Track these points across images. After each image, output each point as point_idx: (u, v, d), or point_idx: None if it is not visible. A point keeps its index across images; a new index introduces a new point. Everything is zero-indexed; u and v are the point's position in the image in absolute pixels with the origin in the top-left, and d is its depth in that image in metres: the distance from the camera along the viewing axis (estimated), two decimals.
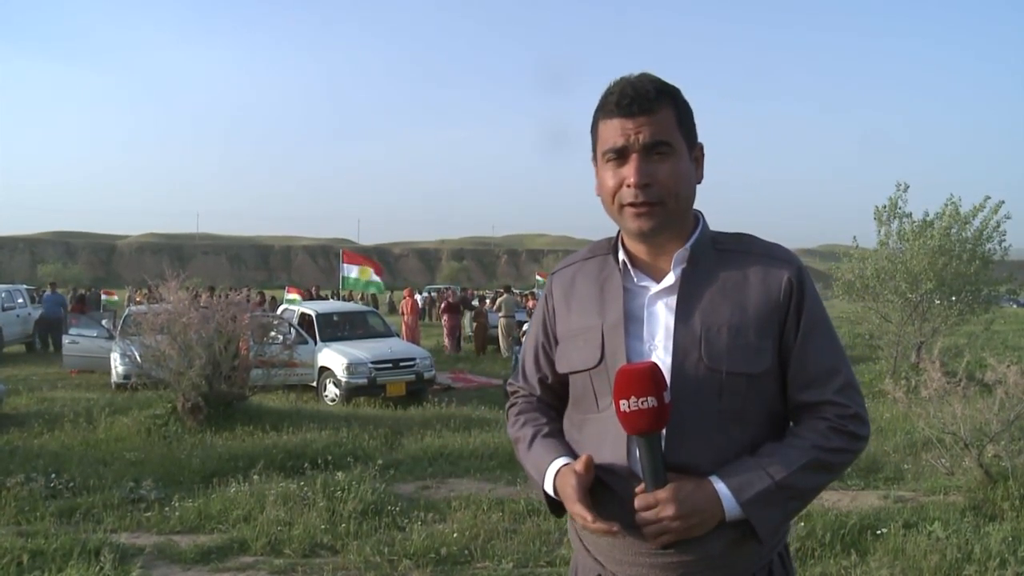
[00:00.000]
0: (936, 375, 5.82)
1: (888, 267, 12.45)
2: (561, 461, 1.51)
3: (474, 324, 19.13)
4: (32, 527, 4.92)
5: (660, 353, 1.44)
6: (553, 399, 1.67)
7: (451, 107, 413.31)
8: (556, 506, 1.55)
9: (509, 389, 1.78)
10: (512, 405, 1.73)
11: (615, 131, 1.44)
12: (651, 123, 1.42)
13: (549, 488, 1.52)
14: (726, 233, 1.55)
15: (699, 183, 1.52)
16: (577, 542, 1.57)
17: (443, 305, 18.61)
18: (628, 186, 1.43)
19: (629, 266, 1.52)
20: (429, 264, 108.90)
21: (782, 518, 1.42)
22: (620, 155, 1.44)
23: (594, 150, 1.52)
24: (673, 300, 1.46)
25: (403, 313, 18.76)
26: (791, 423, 1.50)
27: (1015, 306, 34.54)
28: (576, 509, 1.42)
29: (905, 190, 12.53)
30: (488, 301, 22.29)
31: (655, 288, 1.49)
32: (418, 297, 22.35)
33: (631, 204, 1.44)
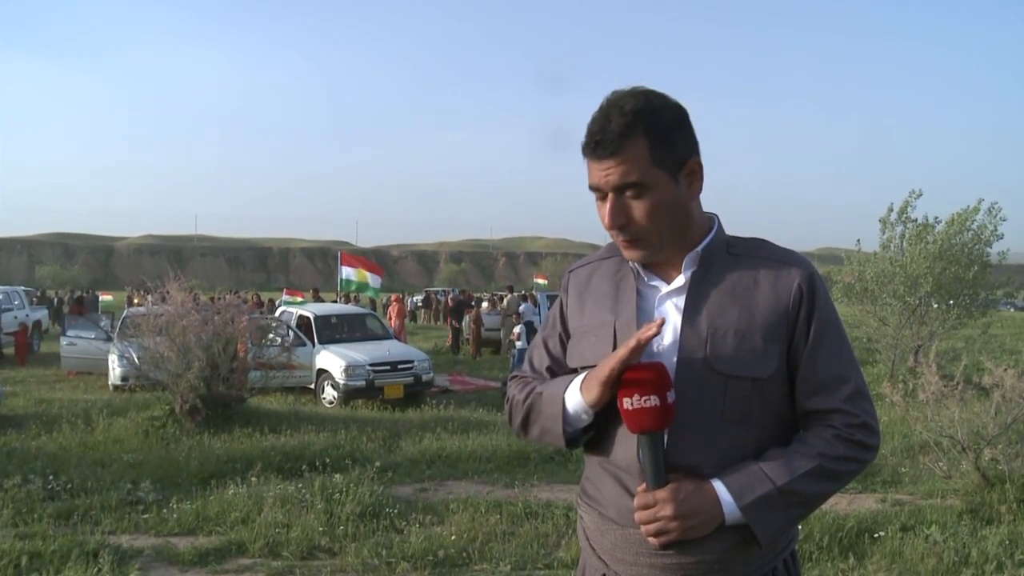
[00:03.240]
0: (933, 378, 5.82)
1: (887, 270, 12.47)
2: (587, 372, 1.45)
3: (471, 327, 19.16)
4: (30, 529, 4.91)
5: (667, 353, 1.45)
6: None
7: (449, 110, 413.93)
8: (570, 438, 1.48)
9: (510, 377, 1.74)
10: (513, 380, 1.68)
11: (591, 172, 1.45)
12: (618, 165, 1.40)
13: (575, 390, 1.44)
14: (741, 238, 1.55)
15: (694, 196, 1.48)
16: (584, 542, 1.57)
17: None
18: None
19: (641, 268, 1.53)
20: (427, 266, 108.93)
21: (784, 524, 1.41)
22: (600, 193, 1.46)
23: None
24: (682, 301, 1.47)
25: (391, 317, 18.88)
26: (800, 430, 1.48)
27: (1012, 310, 34.62)
28: (620, 353, 1.37)
29: (918, 197, 12.54)
30: (486, 304, 22.27)
31: (665, 289, 1.50)
32: (417, 299, 22.37)
33: (617, 239, 1.48)
